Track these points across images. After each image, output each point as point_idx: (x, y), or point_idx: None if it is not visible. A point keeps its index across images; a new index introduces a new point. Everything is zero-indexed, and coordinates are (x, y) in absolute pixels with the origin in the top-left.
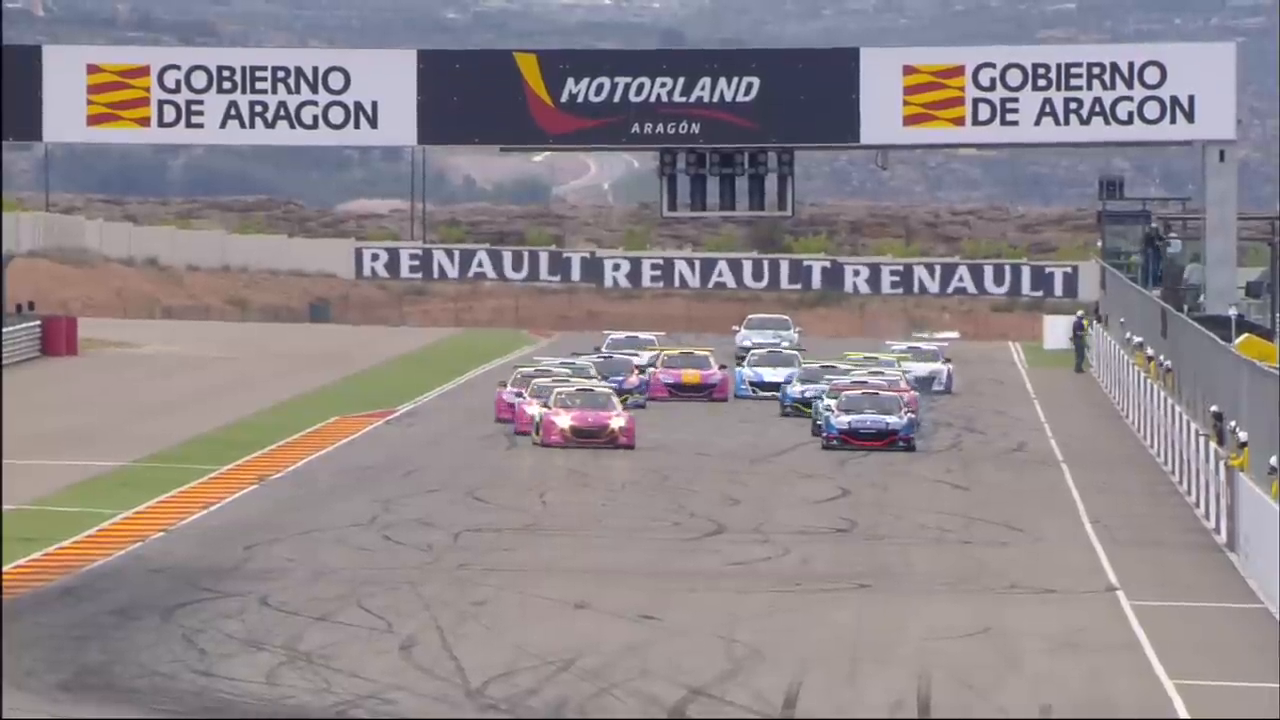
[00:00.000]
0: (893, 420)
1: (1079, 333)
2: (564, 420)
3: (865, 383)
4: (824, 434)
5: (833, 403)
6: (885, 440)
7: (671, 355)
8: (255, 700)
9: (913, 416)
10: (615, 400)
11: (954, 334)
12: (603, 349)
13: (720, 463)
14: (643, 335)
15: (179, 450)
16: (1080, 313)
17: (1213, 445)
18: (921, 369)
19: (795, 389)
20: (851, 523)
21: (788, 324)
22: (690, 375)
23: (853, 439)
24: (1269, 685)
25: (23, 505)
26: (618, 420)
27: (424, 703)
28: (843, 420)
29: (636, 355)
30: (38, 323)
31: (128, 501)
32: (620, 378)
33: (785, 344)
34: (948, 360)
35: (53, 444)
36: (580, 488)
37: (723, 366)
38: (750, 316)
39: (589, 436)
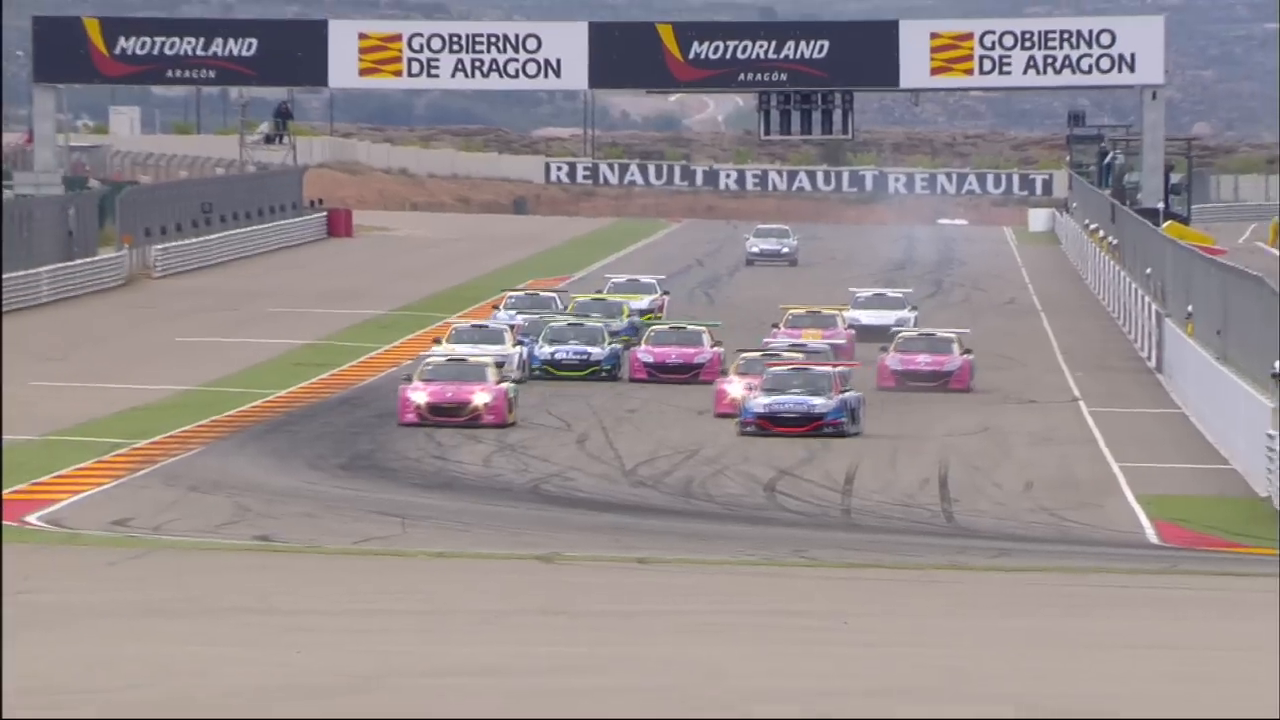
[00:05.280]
0: (819, 403)
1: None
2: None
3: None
4: (739, 419)
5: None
6: (810, 425)
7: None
8: (476, 477)
9: (846, 396)
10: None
11: (963, 221)
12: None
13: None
14: (644, 279)
15: (422, 303)
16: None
17: (1146, 298)
18: (888, 317)
19: (544, 350)
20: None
21: (788, 232)
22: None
23: (771, 425)
24: (1185, 466)
25: (315, 341)
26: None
27: (594, 480)
28: (759, 403)
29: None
30: (324, 214)
31: (386, 338)
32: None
33: (785, 249)
34: (915, 308)
35: (334, 299)
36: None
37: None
38: (758, 226)
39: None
